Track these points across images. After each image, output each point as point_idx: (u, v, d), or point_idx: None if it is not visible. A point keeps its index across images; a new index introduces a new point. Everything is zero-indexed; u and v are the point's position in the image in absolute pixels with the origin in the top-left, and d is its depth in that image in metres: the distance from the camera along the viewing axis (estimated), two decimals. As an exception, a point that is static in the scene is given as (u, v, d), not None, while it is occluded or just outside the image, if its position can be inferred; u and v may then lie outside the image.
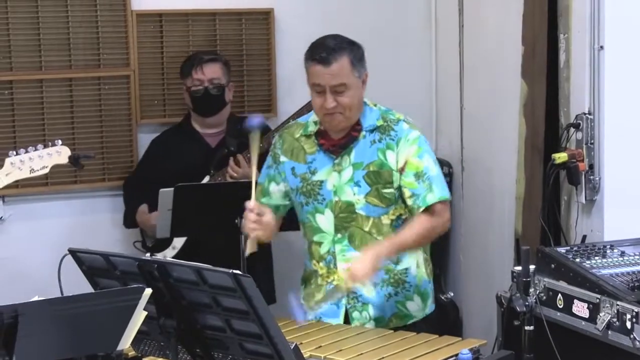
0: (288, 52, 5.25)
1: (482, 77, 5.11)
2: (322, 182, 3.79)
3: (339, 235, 3.79)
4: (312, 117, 3.87)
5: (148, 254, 3.55)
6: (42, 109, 4.92)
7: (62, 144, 3.68)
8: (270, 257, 4.99)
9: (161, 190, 4.45)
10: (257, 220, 3.69)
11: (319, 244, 3.83)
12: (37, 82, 4.91)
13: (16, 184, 4.78)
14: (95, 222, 5.07)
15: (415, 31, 5.50)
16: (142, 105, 5.08)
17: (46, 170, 3.65)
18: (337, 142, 3.78)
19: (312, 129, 3.83)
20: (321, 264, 3.84)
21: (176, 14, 5.11)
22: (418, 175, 3.72)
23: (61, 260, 3.05)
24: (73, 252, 3.03)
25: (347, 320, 3.81)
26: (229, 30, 5.19)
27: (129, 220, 4.90)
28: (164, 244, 4.73)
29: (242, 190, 4.33)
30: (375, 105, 3.84)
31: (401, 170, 3.72)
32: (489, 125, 5.05)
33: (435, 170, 3.75)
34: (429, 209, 3.70)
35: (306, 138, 3.84)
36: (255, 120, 3.66)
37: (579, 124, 4.22)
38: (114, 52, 5.02)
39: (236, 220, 4.28)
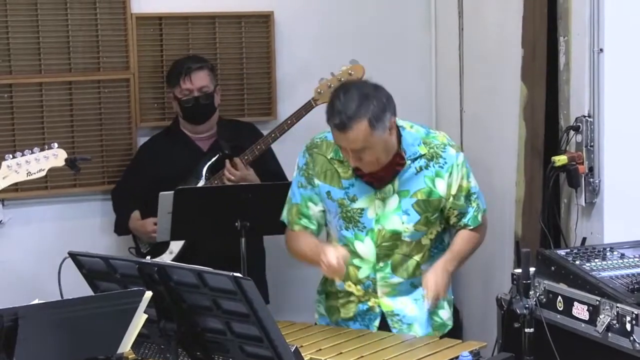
0: (288, 55, 5.25)
1: (482, 79, 5.11)
2: (362, 209, 3.70)
3: (381, 264, 3.73)
4: None
5: (149, 257, 3.55)
6: (41, 112, 4.91)
7: (58, 147, 3.67)
8: (264, 259, 4.98)
9: (161, 193, 4.44)
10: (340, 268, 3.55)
11: (357, 267, 3.75)
12: (37, 86, 4.90)
13: (15, 188, 4.80)
14: (95, 225, 5.07)
15: (415, 34, 5.50)
16: (141, 109, 5.08)
17: (43, 173, 3.64)
18: (379, 175, 3.66)
19: None
20: (358, 287, 3.76)
21: (176, 17, 5.11)
22: (468, 197, 3.77)
23: (61, 264, 3.05)
24: (73, 255, 3.03)
25: None
26: (229, 33, 5.19)
27: (121, 228, 4.89)
28: (160, 249, 4.70)
29: (243, 193, 4.35)
30: (411, 126, 3.73)
31: (454, 196, 3.72)
32: (489, 128, 5.04)
33: (477, 186, 3.82)
34: (477, 227, 3.83)
35: (339, 162, 3.71)
36: None
37: (579, 126, 4.21)
38: (114, 55, 5.02)
39: (236, 223, 4.29)
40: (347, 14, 5.37)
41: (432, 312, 3.78)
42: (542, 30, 4.46)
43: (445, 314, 3.84)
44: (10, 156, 3.56)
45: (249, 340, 2.79)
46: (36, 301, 2.62)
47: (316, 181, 3.75)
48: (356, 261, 3.73)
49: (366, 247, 3.72)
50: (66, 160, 3.69)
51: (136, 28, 5.02)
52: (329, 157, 3.74)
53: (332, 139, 3.65)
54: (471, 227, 3.79)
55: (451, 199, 3.71)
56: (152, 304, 2.77)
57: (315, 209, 3.79)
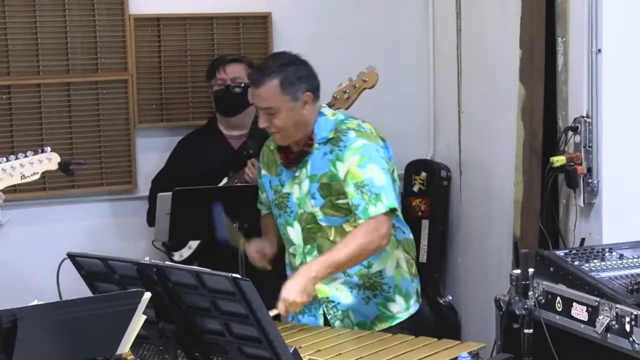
0: (286, 56, 5.25)
1: (480, 80, 5.11)
2: (289, 194, 3.82)
3: (308, 247, 3.80)
4: None
5: (148, 258, 3.54)
6: (40, 113, 4.91)
7: (51, 150, 3.70)
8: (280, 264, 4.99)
9: (159, 194, 4.46)
10: (260, 257, 3.94)
11: (293, 255, 3.86)
12: (35, 87, 4.90)
13: (14, 189, 4.78)
14: (94, 226, 5.07)
15: (413, 34, 5.50)
16: (140, 110, 5.08)
17: (37, 177, 3.67)
18: (290, 156, 3.80)
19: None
20: None
21: (174, 18, 5.11)
22: (357, 186, 3.62)
23: (60, 265, 3.05)
24: (72, 257, 3.03)
25: None
26: (227, 34, 5.19)
27: (152, 218, 4.89)
28: (181, 243, 4.77)
29: (241, 194, 4.36)
30: (333, 114, 3.81)
31: (344, 180, 3.67)
32: (487, 129, 5.05)
33: (382, 180, 3.62)
34: (368, 220, 3.60)
35: (278, 151, 3.85)
36: None
37: (577, 127, 4.21)
38: (112, 56, 5.02)
39: (235, 224, 4.29)
40: (345, 14, 5.37)
41: (380, 303, 3.81)
42: (540, 30, 4.46)
43: (395, 307, 3.84)
44: (5, 159, 3.58)
45: (248, 341, 2.79)
46: (35, 302, 2.61)
47: (263, 171, 3.94)
48: (291, 249, 3.86)
49: (295, 232, 3.82)
50: (59, 163, 3.73)
51: (134, 29, 5.02)
52: (271, 148, 3.88)
53: None
54: (362, 220, 3.60)
55: (344, 183, 3.66)
56: (151, 305, 2.77)
57: (263, 197, 4.01)
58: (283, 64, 3.69)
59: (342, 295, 3.79)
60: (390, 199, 3.62)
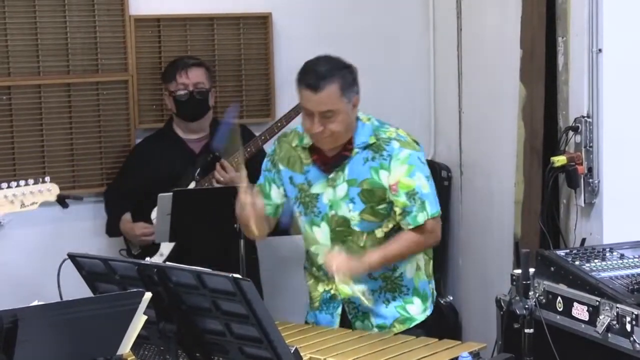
0: (286, 56, 5.25)
1: (480, 80, 5.11)
2: (318, 195, 3.81)
3: (336, 248, 3.79)
4: None
5: (148, 258, 3.56)
6: (40, 114, 4.91)
7: (51, 181, 3.80)
8: (257, 262, 4.98)
9: (160, 195, 4.45)
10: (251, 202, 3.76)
11: (316, 254, 3.85)
12: (35, 88, 4.90)
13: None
14: (94, 227, 5.06)
15: (413, 35, 5.50)
16: (140, 110, 5.08)
17: (35, 207, 3.76)
18: (329, 159, 3.80)
19: (307, 142, 3.83)
20: (320, 273, 3.86)
21: (174, 18, 5.11)
22: (409, 195, 3.72)
23: (60, 265, 3.05)
24: (72, 257, 3.03)
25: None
26: (227, 35, 5.19)
27: (112, 229, 4.89)
28: (151, 251, 4.70)
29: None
30: (369, 119, 3.84)
31: (393, 190, 3.73)
32: (488, 129, 5.04)
33: (427, 188, 3.76)
34: (419, 227, 3.74)
35: (302, 149, 3.85)
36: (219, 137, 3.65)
37: (578, 127, 4.21)
38: (112, 57, 5.02)
39: (235, 225, 4.29)
40: (346, 15, 5.37)
41: (399, 305, 3.83)
42: (541, 30, 4.46)
43: (414, 308, 3.86)
44: (6, 185, 3.68)
45: (249, 341, 2.78)
46: (35, 303, 2.61)
47: (280, 166, 3.89)
48: (314, 248, 3.85)
49: (322, 232, 3.82)
50: (58, 196, 3.83)
51: (134, 30, 5.02)
52: (293, 145, 3.88)
53: (301, 130, 3.83)
54: (412, 227, 3.75)
55: (392, 193, 3.74)
56: (152, 306, 2.77)
57: (276, 191, 3.92)
58: (337, 68, 3.71)
59: (364, 297, 3.77)
60: (435, 205, 3.78)
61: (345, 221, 3.77)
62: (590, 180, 4.18)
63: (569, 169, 4.21)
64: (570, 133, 4.26)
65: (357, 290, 3.70)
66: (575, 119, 4.24)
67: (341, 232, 3.79)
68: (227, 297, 2.72)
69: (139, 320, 2.72)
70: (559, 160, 4.22)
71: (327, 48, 5.16)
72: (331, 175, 3.78)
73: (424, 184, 3.75)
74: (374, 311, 3.82)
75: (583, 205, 4.22)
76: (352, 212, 3.76)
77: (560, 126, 4.40)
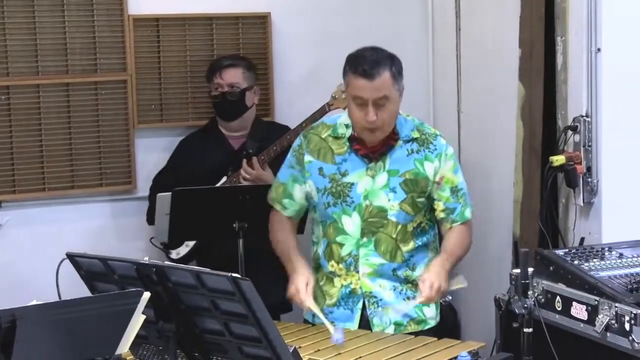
0: (285, 56, 5.25)
1: (479, 79, 5.11)
2: (352, 184, 3.80)
3: (365, 239, 3.79)
4: (342, 119, 3.88)
5: (147, 258, 3.55)
6: (39, 114, 4.91)
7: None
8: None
9: (158, 194, 4.47)
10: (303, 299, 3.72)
11: (341, 245, 3.82)
12: (34, 88, 4.90)
13: (13, 189, 4.81)
14: (93, 227, 5.07)
15: (412, 34, 5.49)
16: (139, 110, 5.07)
17: None
18: (374, 148, 3.80)
19: (343, 131, 3.83)
20: (340, 265, 3.82)
21: (173, 18, 5.11)
22: (453, 190, 3.84)
23: (59, 265, 3.04)
24: (71, 257, 3.03)
25: (363, 325, 3.80)
26: (226, 34, 5.19)
27: (151, 217, 4.89)
28: (179, 241, 4.80)
29: (241, 195, 4.35)
30: (408, 116, 3.89)
31: (437, 184, 3.80)
32: (487, 128, 5.04)
33: (466, 186, 3.90)
34: (467, 222, 3.88)
35: (334, 139, 3.85)
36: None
37: (577, 126, 4.21)
38: (111, 57, 5.01)
39: (234, 224, 4.29)
40: (345, 14, 5.37)
41: (417, 306, 3.82)
42: (540, 30, 4.46)
43: (429, 312, 3.87)
44: None
45: (248, 341, 2.78)
46: (34, 302, 2.61)
47: (307, 158, 3.87)
48: (340, 238, 3.82)
49: (352, 222, 3.80)
50: None
51: (133, 30, 5.02)
52: (323, 136, 3.87)
53: (329, 122, 3.89)
54: (459, 223, 3.84)
55: (436, 187, 3.80)
56: (150, 305, 2.76)
57: (298, 190, 3.90)
58: (387, 56, 3.76)
59: (385, 292, 3.81)
60: (471, 204, 3.93)
61: (380, 211, 3.78)
62: (589, 179, 4.18)
63: (567, 169, 4.21)
64: (569, 132, 4.26)
65: (456, 284, 3.73)
66: (574, 119, 4.24)
67: (373, 223, 3.78)
68: (226, 297, 2.72)
69: (138, 319, 2.72)
70: (558, 159, 4.22)
71: (327, 48, 5.23)
72: (370, 165, 3.79)
73: (464, 182, 3.89)
74: (394, 307, 3.81)
75: (582, 204, 4.22)
76: (391, 202, 3.77)
77: (559, 125, 4.40)
